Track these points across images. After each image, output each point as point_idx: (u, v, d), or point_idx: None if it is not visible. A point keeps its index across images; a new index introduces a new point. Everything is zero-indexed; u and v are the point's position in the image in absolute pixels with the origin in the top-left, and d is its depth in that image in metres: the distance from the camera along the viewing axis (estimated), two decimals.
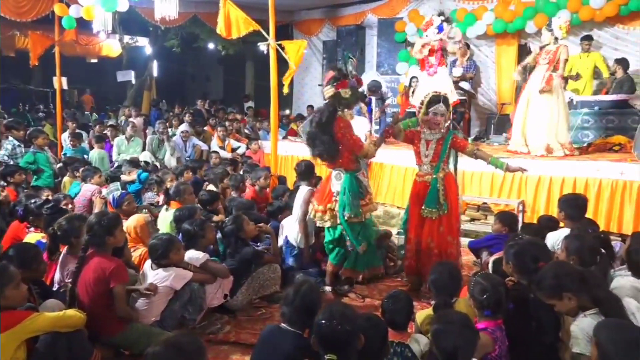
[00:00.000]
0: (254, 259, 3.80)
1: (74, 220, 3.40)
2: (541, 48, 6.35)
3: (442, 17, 6.87)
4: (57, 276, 3.31)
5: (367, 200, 3.93)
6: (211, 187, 5.59)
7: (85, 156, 7.79)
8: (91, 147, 8.26)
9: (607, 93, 7.75)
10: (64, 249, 3.39)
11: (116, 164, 7.73)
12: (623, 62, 7.67)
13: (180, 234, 3.67)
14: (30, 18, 9.03)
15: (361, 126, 5.96)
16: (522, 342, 2.54)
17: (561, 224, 3.98)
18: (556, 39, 6.19)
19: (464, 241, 4.64)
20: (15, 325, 2.37)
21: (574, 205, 3.82)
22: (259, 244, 4.31)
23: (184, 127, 8.87)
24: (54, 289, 3.27)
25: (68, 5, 8.75)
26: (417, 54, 6.98)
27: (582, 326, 2.28)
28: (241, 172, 6.46)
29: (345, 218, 3.80)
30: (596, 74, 8.07)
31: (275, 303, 3.87)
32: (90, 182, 5.58)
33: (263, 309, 3.82)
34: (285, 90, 6.69)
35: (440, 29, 6.78)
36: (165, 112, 13.29)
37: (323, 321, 2.14)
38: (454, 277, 2.87)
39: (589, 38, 8.00)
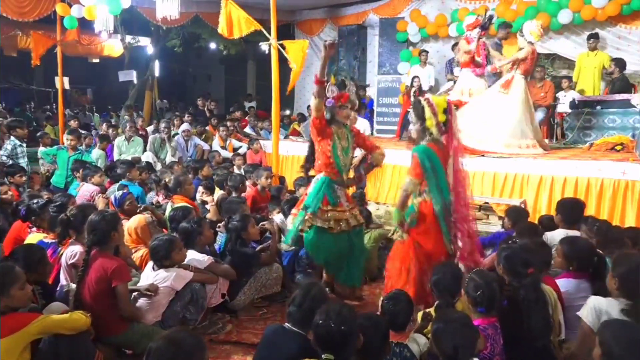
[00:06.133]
0: (251, 259, 3.80)
1: (85, 208, 3.53)
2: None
3: (487, 16, 6.90)
4: (62, 260, 3.33)
5: (338, 209, 3.77)
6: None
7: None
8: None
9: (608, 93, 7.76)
10: (68, 242, 3.41)
11: None
12: (620, 63, 7.68)
13: (177, 233, 3.67)
14: (32, 18, 9.05)
15: (360, 126, 5.95)
16: (515, 343, 2.56)
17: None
18: (530, 43, 6.31)
19: None
20: (22, 328, 2.37)
21: (570, 209, 3.81)
22: (259, 240, 4.31)
23: (185, 126, 8.88)
24: (59, 285, 3.28)
25: (70, 5, 8.77)
26: (460, 57, 7.07)
27: (601, 303, 2.41)
28: (242, 172, 6.47)
29: (305, 216, 3.71)
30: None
31: (277, 303, 3.88)
32: (91, 182, 5.58)
33: (264, 309, 3.83)
34: (288, 91, 6.72)
35: (484, 27, 6.82)
36: (166, 112, 13.30)
37: (320, 321, 2.15)
38: (456, 277, 2.87)
39: (595, 36, 8.00)
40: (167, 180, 5.27)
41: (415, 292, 3.24)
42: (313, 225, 3.74)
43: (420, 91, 9.08)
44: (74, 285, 3.01)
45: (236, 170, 6.63)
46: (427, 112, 3.32)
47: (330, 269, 4.00)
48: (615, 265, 2.52)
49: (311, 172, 4.06)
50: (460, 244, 3.37)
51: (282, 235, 4.55)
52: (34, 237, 3.74)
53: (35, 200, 4.02)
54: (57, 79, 9.70)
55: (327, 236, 3.74)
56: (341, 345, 2.13)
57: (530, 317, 2.54)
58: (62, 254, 3.40)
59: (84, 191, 5.43)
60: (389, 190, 6.70)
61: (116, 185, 5.56)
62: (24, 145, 6.82)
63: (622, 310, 2.35)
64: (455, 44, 7.32)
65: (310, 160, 3.98)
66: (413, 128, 3.44)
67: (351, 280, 3.96)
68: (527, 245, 3.08)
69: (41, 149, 7.74)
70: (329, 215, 3.74)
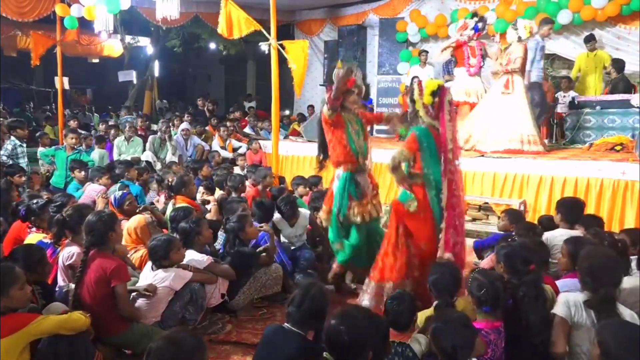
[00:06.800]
0: (250, 259, 3.79)
1: (82, 209, 3.53)
2: (504, 50, 6.59)
3: (476, 18, 6.91)
4: (59, 261, 3.33)
5: (363, 202, 3.80)
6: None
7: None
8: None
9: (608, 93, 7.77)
10: (65, 242, 3.42)
11: None
12: (618, 63, 7.69)
13: (176, 233, 3.68)
14: (32, 18, 9.06)
15: None
16: (514, 341, 2.58)
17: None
18: (519, 38, 6.40)
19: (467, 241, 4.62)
20: (21, 329, 2.37)
21: (570, 208, 3.81)
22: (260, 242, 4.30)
23: (184, 125, 8.89)
24: (57, 286, 3.28)
25: (69, 5, 8.77)
26: (438, 56, 7.14)
27: (569, 297, 2.53)
28: (244, 172, 6.47)
29: (335, 215, 3.80)
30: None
31: (277, 303, 3.87)
32: (98, 182, 5.58)
33: (264, 309, 3.82)
34: (298, 93, 6.73)
35: (476, 29, 6.83)
36: (166, 112, 13.31)
37: (332, 322, 2.12)
38: (455, 277, 2.87)
39: (591, 38, 8.00)
40: (169, 180, 5.27)
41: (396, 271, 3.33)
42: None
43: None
44: (73, 285, 3.01)
45: (238, 171, 6.63)
46: (416, 94, 3.37)
47: (355, 262, 3.96)
48: (580, 260, 2.63)
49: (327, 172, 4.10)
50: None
51: (279, 235, 4.56)
52: (33, 237, 3.74)
53: (35, 201, 4.02)
54: (57, 79, 9.70)
55: (354, 232, 3.80)
56: (349, 353, 2.08)
57: (530, 315, 2.56)
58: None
59: (90, 191, 5.45)
60: (389, 190, 6.70)
61: (117, 185, 5.56)
62: (24, 145, 6.82)
63: (585, 302, 2.46)
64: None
65: (323, 155, 4.00)
66: (409, 110, 3.49)
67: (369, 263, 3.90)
68: (526, 243, 3.09)
69: (40, 149, 7.75)
70: (355, 211, 3.76)
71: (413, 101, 3.38)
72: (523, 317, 2.58)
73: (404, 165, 3.38)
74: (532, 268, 2.73)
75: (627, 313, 2.45)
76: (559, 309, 2.50)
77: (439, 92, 3.32)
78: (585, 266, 2.56)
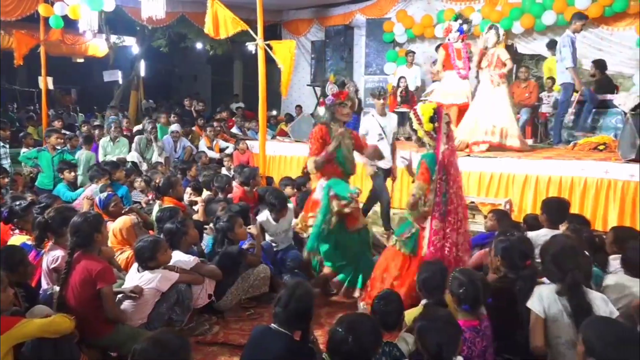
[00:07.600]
0: (237, 258, 3.78)
1: (64, 210, 3.49)
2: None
3: (460, 21, 6.98)
4: (43, 264, 3.29)
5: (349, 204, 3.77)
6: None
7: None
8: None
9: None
10: (48, 245, 3.37)
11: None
12: (600, 64, 7.77)
13: (162, 234, 3.65)
14: (15, 17, 8.92)
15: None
16: (509, 334, 2.62)
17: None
18: (498, 43, 6.60)
19: None
20: (5, 332, 2.34)
21: (555, 209, 3.87)
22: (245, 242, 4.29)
23: (175, 127, 8.81)
24: (41, 289, 3.24)
25: (52, 5, 8.65)
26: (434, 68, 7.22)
27: (542, 290, 2.58)
28: (231, 173, 6.44)
29: (318, 222, 3.78)
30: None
31: (265, 303, 3.86)
32: (97, 183, 5.53)
33: (252, 309, 3.81)
34: (284, 94, 6.72)
35: (460, 31, 6.90)
36: (153, 112, 13.18)
37: (339, 329, 2.13)
38: (444, 275, 2.89)
39: (554, 44, 8.00)
40: (157, 181, 5.23)
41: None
42: (331, 234, 3.78)
43: (407, 92, 9.14)
44: (57, 288, 2.97)
45: (224, 172, 6.59)
46: (415, 124, 3.37)
47: (347, 271, 3.96)
48: (542, 254, 2.71)
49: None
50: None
51: (265, 234, 4.55)
52: (16, 239, 3.69)
53: (17, 202, 3.97)
54: (41, 79, 9.57)
55: (341, 237, 3.81)
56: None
57: (525, 308, 2.59)
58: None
59: (89, 190, 5.38)
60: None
61: (101, 186, 5.50)
62: (7, 146, 6.72)
63: (557, 292, 2.52)
64: (439, 45, 7.38)
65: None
66: (413, 139, 3.51)
67: (355, 282, 3.93)
68: (524, 237, 3.12)
69: (24, 150, 7.64)
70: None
71: (414, 131, 3.38)
72: (520, 310, 2.61)
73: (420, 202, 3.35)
74: (528, 263, 2.78)
75: (598, 296, 2.50)
76: (532, 304, 2.55)
77: (437, 116, 3.33)
78: (547, 259, 2.63)
